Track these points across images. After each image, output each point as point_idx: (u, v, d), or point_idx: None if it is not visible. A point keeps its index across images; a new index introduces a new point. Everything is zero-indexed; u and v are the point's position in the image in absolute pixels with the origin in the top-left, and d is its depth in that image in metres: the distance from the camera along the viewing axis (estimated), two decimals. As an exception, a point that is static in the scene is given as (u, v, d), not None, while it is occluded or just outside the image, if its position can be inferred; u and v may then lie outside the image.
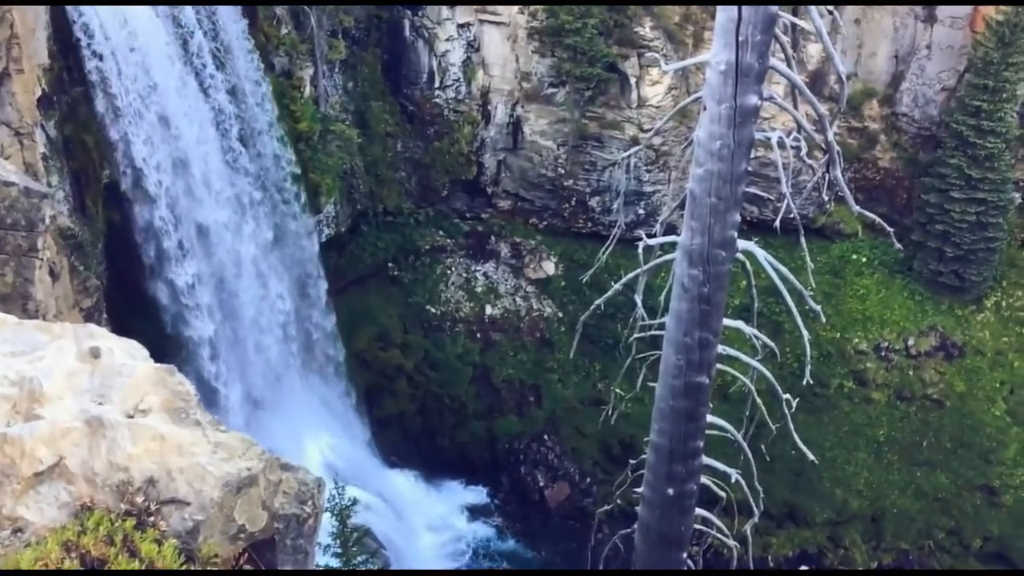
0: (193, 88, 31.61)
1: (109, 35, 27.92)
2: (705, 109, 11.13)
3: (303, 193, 37.30)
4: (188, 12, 30.86)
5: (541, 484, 41.03)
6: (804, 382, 14.51)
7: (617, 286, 14.30)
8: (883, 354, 42.01)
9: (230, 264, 34.27)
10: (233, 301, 34.80)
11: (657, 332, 13.57)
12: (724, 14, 10.53)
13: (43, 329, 8.76)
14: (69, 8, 27.16)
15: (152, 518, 7.36)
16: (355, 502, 26.78)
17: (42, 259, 21.89)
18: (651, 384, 13.74)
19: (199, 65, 31.55)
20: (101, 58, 27.81)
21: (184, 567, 7.16)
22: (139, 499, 7.40)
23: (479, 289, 43.76)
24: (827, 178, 12.05)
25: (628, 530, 15.25)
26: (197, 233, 32.65)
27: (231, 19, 33.06)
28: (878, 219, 13.52)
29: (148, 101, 29.61)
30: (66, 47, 27.06)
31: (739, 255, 12.23)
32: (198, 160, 32.07)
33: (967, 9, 40.40)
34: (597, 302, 15.02)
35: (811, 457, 15.20)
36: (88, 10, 27.27)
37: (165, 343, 31.13)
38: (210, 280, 33.41)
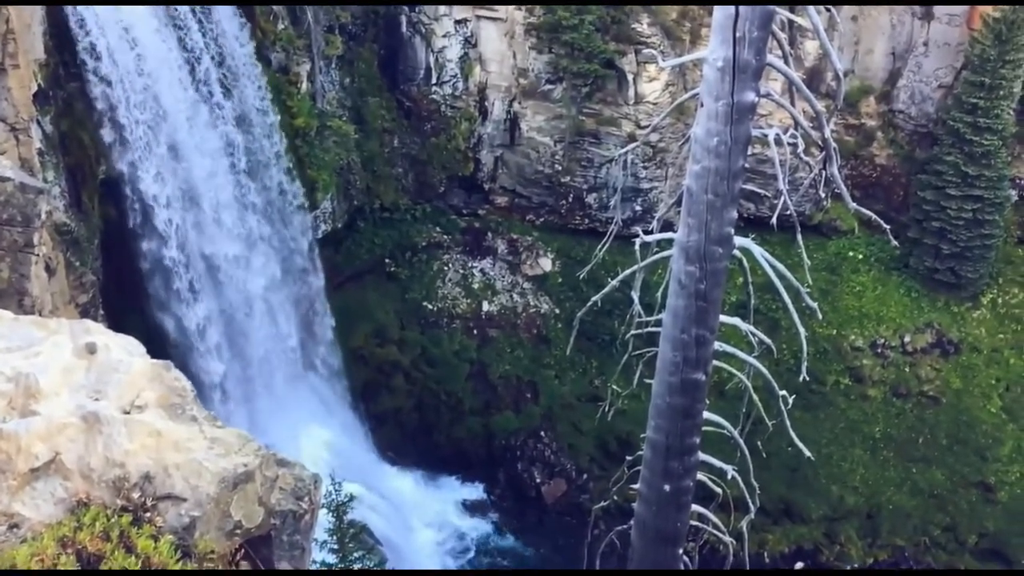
0: (204, 117, 31.15)
1: (117, 59, 27.40)
2: (702, 106, 11.13)
3: (311, 230, 37.21)
4: (195, 35, 30.42)
5: (538, 480, 41.06)
6: (800, 379, 14.52)
7: (614, 283, 14.31)
8: (879, 351, 42.07)
9: (240, 302, 34.02)
10: (241, 340, 34.64)
11: (654, 329, 13.58)
12: (722, 11, 10.52)
13: (39, 325, 8.74)
14: (74, 27, 26.72)
15: (148, 514, 7.36)
16: (352, 498, 26.77)
17: (38, 255, 21.85)
18: (648, 381, 13.75)
19: (206, 93, 31.16)
20: (109, 84, 27.39)
21: (180, 563, 7.15)
22: (135, 495, 7.40)
23: (476, 285, 43.75)
24: (824, 175, 12.06)
25: (624, 526, 15.27)
26: (207, 268, 32.29)
27: (237, 43, 32.58)
28: (875, 216, 13.56)
29: (158, 131, 29.13)
30: (62, 42, 26.98)
31: (736, 252, 12.24)
32: (209, 194, 31.68)
33: (964, 6, 40.41)
34: (594, 299, 15.02)
35: (807, 454, 15.24)
36: (94, 28, 26.77)
37: (161, 339, 31.11)
38: (220, 319, 33.15)
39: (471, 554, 39.18)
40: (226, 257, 32.87)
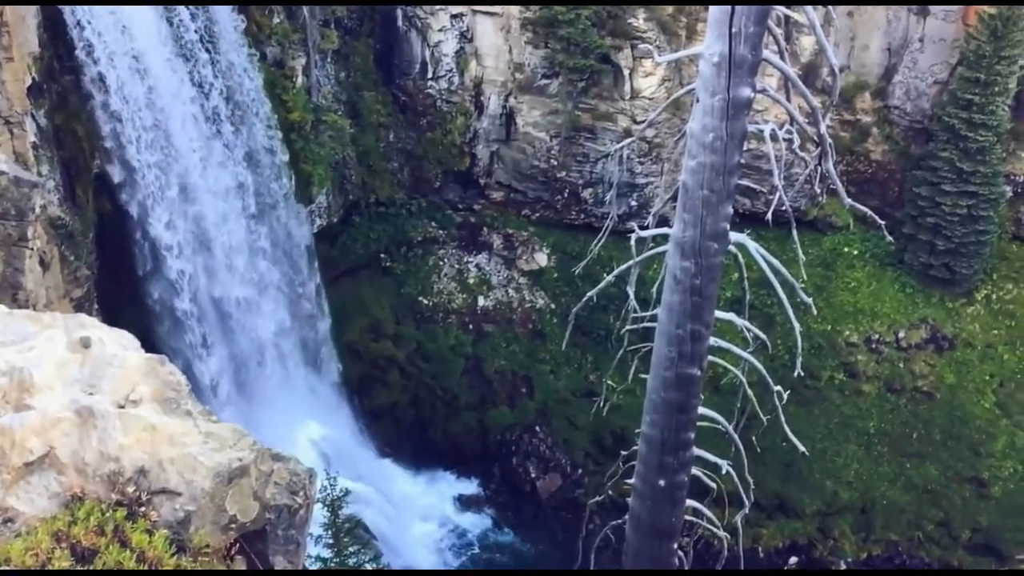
0: (216, 156, 30.60)
1: (127, 93, 26.78)
2: (698, 101, 11.12)
3: (317, 273, 36.99)
4: (206, 70, 29.90)
5: (533, 475, 41.10)
6: (795, 374, 14.53)
7: (609, 278, 14.30)
8: (874, 346, 42.16)
9: (251, 349, 33.78)
10: (250, 382, 34.49)
11: (649, 324, 13.58)
12: (718, 6, 10.50)
13: (33, 319, 8.72)
14: (80, 54, 26.18)
15: (143, 508, 7.35)
16: (347, 493, 26.76)
17: (32, 249, 21.82)
18: (643, 376, 13.75)
19: (215, 131, 30.66)
20: (120, 120, 26.92)
21: (175, 557, 7.15)
22: (130, 489, 7.39)
23: (471, 280, 43.74)
24: (819, 171, 12.06)
25: (619, 521, 15.29)
26: (218, 316, 31.91)
27: (247, 76, 32.12)
28: (870, 212, 13.53)
29: (169, 173, 28.56)
30: (57, 35, 26.84)
31: (731, 247, 12.24)
32: (221, 239, 31.20)
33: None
34: (589, 294, 15.01)
35: (802, 449, 15.26)
36: (102, 56, 26.27)
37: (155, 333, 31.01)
38: (230, 364, 32.91)
39: (467, 549, 39.21)
40: (237, 302, 32.55)
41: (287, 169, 34.42)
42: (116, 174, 27.60)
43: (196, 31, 29.66)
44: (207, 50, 30.17)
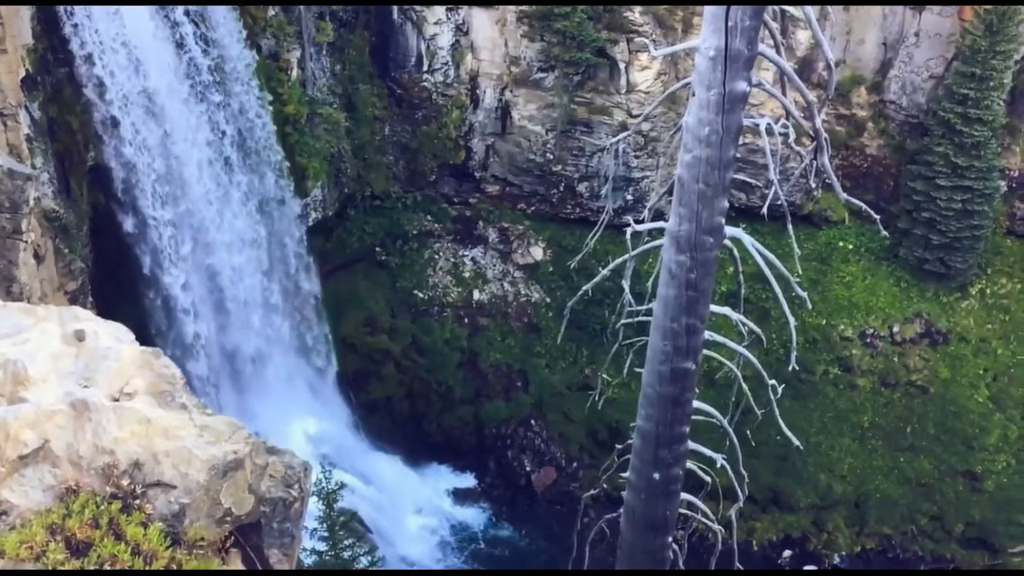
0: (233, 206, 30.12)
1: (142, 141, 26.34)
2: (694, 95, 11.12)
3: (327, 323, 36.95)
4: (219, 114, 29.38)
5: (528, 469, 41.16)
6: (790, 368, 14.60)
7: (605, 272, 14.32)
8: (868, 340, 42.25)
9: (261, 394, 33.77)
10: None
11: (644, 318, 13.60)
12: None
13: (27, 312, 8.70)
14: (91, 94, 25.73)
15: (138, 501, 7.35)
16: (342, 486, 26.81)
17: (26, 241, 21.79)
18: (638, 370, 13.78)
19: (228, 181, 30.32)
20: (133, 168, 26.42)
21: (170, 550, 7.15)
22: (125, 482, 7.39)
23: (467, 274, 43.72)
24: (815, 165, 12.07)
25: (614, 514, 15.34)
26: (231, 372, 31.68)
27: (259, 121, 31.78)
28: (865, 206, 13.56)
29: (184, 226, 28.07)
30: (50, 27, 26.72)
31: (726, 241, 12.25)
32: (237, 295, 30.73)
33: (956, -3, 40.39)
34: (585, 288, 15.04)
35: (796, 442, 15.32)
36: (115, 97, 25.87)
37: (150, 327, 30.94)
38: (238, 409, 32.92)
39: (462, 543, 39.26)
40: (252, 359, 32.35)
41: (298, 223, 34.31)
42: (129, 225, 27.30)
43: (208, 68, 29.05)
44: (218, 91, 29.72)
